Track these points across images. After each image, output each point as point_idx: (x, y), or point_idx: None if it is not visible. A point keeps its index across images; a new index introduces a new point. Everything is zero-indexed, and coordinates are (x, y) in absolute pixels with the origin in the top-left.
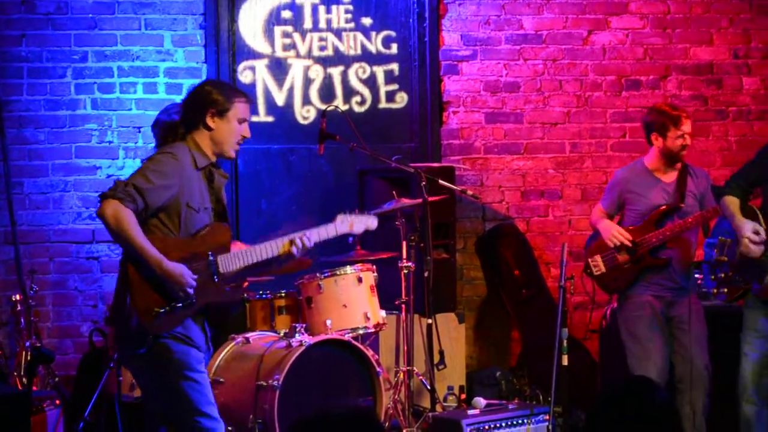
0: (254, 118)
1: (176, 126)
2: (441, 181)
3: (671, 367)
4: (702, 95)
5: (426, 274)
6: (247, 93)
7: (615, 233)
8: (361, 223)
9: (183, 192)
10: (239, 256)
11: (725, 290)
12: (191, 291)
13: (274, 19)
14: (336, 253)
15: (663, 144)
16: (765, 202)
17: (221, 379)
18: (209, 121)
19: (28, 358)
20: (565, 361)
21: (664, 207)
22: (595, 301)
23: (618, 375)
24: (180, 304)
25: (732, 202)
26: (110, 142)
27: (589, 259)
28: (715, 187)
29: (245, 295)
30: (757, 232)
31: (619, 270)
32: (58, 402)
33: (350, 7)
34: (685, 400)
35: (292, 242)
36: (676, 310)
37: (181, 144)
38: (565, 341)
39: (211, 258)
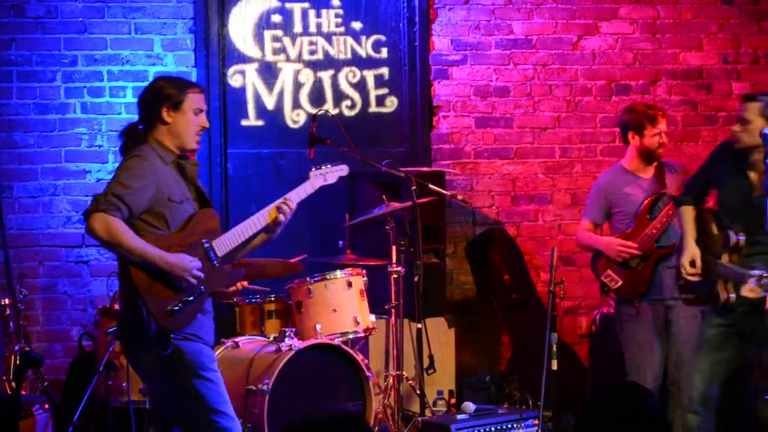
0: (244, 122)
1: (134, 127)
2: (431, 186)
3: (664, 370)
4: (692, 100)
5: (416, 279)
6: (199, 84)
7: (620, 248)
8: (334, 173)
9: (161, 189)
10: (232, 235)
11: (689, 296)
12: (201, 274)
13: (264, 23)
14: (326, 257)
15: (640, 142)
16: (719, 205)
17: None
18: (165, 116)
19: (17, 362)
20: (554, 365)
21: (649, 198)
22: (585, 306)
23: (608, 379)
24: (191, 297)
25: (685, 215)
26: (100, 146)
27: (602, 278)
28: (673, 196)
29: (241, 285)
30: (693, 264)
31: (634, 274)
32: (47, 406)
33: (340, 12)
34: (677, 404)
35: (278, 208)
36: (675, 314)
37: (143, 145)
38: (554, 346)
39: (206, 244)
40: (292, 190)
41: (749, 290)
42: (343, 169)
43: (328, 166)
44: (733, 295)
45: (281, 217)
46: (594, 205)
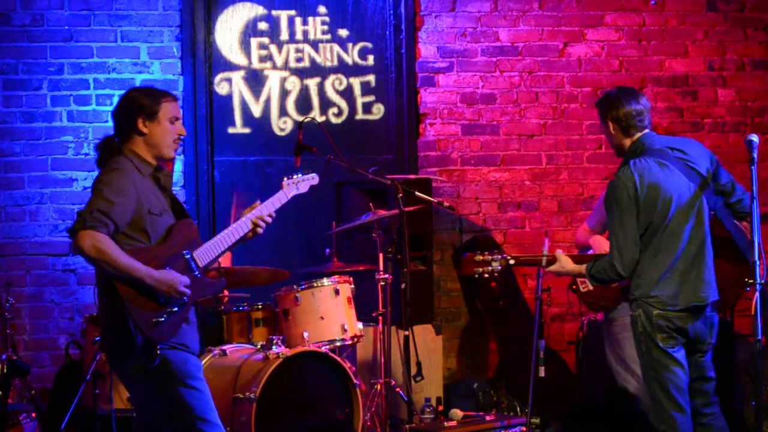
0: (231, 130)
1: (110, 139)
2: (418, 193)
3: None
4: (677, 107)
5: (403, 286)
6: (171, 93)
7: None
8: (306, 182)
9: (141, 201)
10: (212, 245)
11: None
12: (188, 291)
13: (250, 30)
14: (313, 265)
15: None
16: None
17: None
18: (141, 127)
19: (4, 370)
20: (542, 372)
21: None
22: (572, 313)
23: (595, 386)
24: (176, 308)
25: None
26: (86, 154)
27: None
28: None
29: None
30: None
31: (608, 289)
32: (34, 415)
33: (327, 19)
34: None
35: (256, 225)
36: None
37: (120, 157)
38: (542, 353)
39: (187, 255)
40: (267, 200)
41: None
42: (314, 178)
43: (299, 175)
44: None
45: (259, 231)
46: (595, 215)
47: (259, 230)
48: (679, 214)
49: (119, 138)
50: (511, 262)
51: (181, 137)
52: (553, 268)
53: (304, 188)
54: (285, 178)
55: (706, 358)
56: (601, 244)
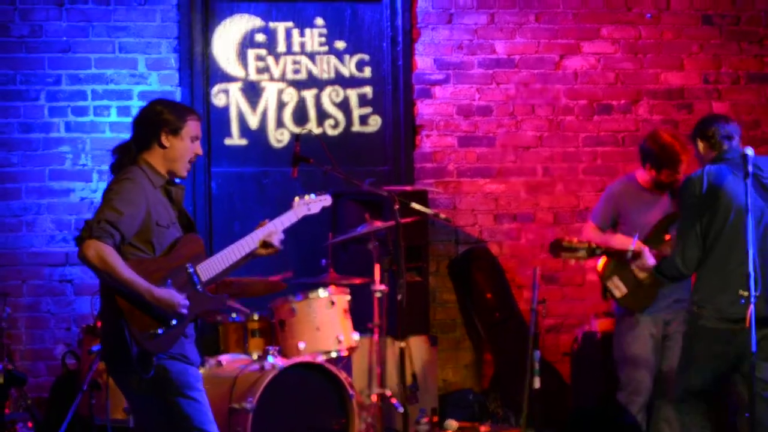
0: (228, 141)
1: (128, 145)
2: (414, 205)
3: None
4: (673, 120)
5: (399, 297)
6: (196, 111)
7: (636, 248)
8: (318, 202)
9: (151, 213)
10: (216, 261)
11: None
12: (186, 312)
13: (247, 42)
14: (309, 276)
15: (655, 175)
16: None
17: None
18: (164, 140)
19: (1, 380)
20: (536, 383)
21: (667, 216)
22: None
23: (590, 397)
24: (175, 321)
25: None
26: (84, 165)
27: (608, 283)
28: None
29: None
30: None
31: (642, 287)
32: (30, 425)
33: (324, 31)
34: (662, 416)
35: (265, 242)
36: (672, 328)
37: (133, 167)
38: (536, 364)
39: (191, 269)
40: (275, 219)
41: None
42: (326, 199)
43: (312, 196)
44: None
45: (274, 248)
46: (603, 210)
47: (274, 248)
48: (741, 224)
49: (136, 146)
50: (598, 251)
51: (197, 156)
52: (638, 262)
53: (315, 209)
54: (297, 198)
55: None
56: (624, 243)
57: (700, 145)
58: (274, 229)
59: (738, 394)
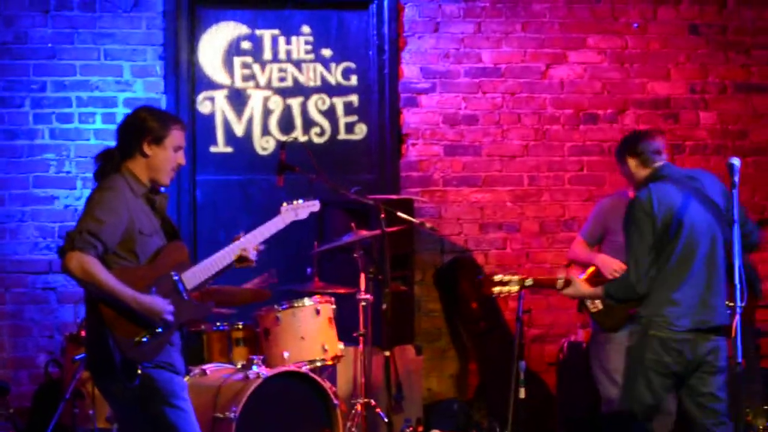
0: (213, 149)
1: (112, 152)
2: (400, 214)
3: None
4: (659, 129)
5: (384, 306)
6: (182, 120)
7: (617, 267)
8: (306, 208)
9: (133, 221)
10: (201, 268)
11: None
12: (172, 318)
13: (233, 50)
14: (294, 285)
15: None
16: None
17: None
18: (146, 149)
19: None
20: (522, 393)
21: None
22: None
23: (575, 407)
24: (160, 329)
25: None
26: (68, 172)
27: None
28: None
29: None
30: None
31: (616, 307)
32: None
33: (310, 39)
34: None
35: (240, 257)
36: None
37: (115, 176)
38: (522, 374)
39: (175, 277)
40: (263, 225)
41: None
42: (314, 205)
43: (300, 201)
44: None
45: (250, 260)
46: (592, 225)
47: (249, 262)
48: (693, 239)
49: (120, 153)
50: (528, 283)
51: (180, 166)
52: (568, 291)
53: (303, 214)
54: (285, 203)
55: (715, 378)
56: (606, 264)
57: (631, 162)
58: (248, 245)
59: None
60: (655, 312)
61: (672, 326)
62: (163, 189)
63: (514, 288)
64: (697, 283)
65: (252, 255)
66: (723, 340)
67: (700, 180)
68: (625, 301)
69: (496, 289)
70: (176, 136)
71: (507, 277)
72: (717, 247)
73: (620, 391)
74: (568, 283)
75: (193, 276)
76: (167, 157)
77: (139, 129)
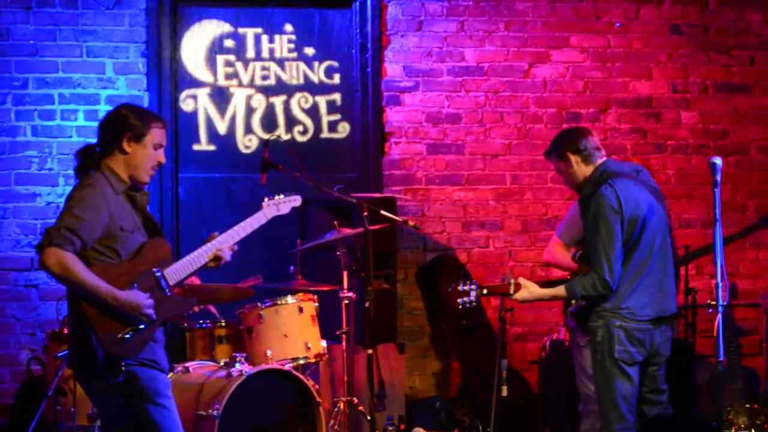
0: (196, 147)
1: (92, 149)
2: (383, 212)
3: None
4: (641, 129)
5: (367, 305)
6: (163, 118)
7: None
8: (287, 203)
9: (114, 218)
10: (183, 264)
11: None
12: (152, 312)
13: (216, 47)
14: (277, 283)
15: None
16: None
17: None
18: (125, 146)
19: None
20: (504, 391)
21: None
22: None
23: (557, 406)
24: (143, 326)
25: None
26: (50, 169)
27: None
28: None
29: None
30: None
31: None
32: None
33: (293, 37)
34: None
35: (216, 256)
36: None
37: (96, 173)
38: (504, 372)
39: (158, 273)
40: (244, 221)
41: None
42: (296, 200)
43: (282, 196)
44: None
45: (223, 262)
46: (570, 226)
47: (223, 262)
48: (650, 230)
49: (101, 150)
50: (484, 291)
51: (160, 164)
52: (519, 295)
53: (285, 210)
54: (266, 198)
55: (660, 371)
56: (566, 262)
57: (573, 158)
58: (223, 245)
59: (704, 405)
60: (619, 304)
61: (636, 316)
62: (149, 184)
63: (473, 296)
64: (656, 272)
65: (227, 255)
66: (670, 330)
67: (642, 172)
68: (593, 299)
69: (459, 300)
70: (156, 134)
71: (466, 287)
72: (667, 236)
73: (597, 392)
74: (518, 287)
75: (176, 272)
76: (147, 154)
77: (120, 126)
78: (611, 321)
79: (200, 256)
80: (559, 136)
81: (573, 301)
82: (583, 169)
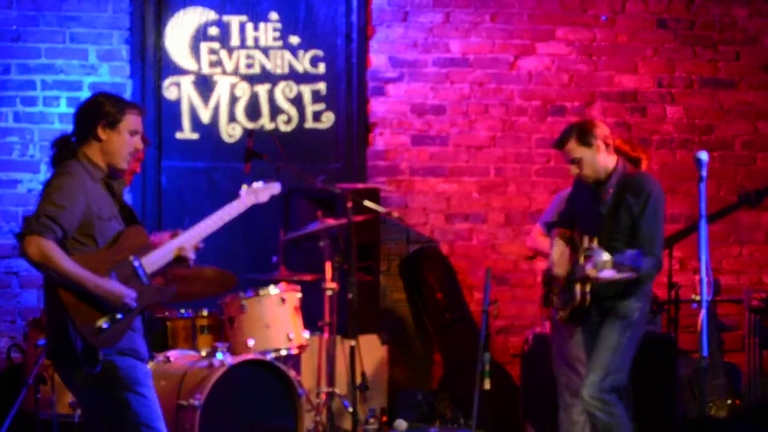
0: (179, 135)
1: (68, 138)
2: (366, 203)
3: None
4: (626, 123)
5: (349, 296)
6: (139, 105)
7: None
8: (266, 191)
9: (91, 206)
10: (161, 253)
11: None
12: (134, 303)
13: (201, 35)
14: (260, 273)
15: None
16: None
17: None
18: (100, 133)
19: None
20: (487, 384)
21: None
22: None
23: (539, 399)
24: (121, 315)
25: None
26: (32, 155)
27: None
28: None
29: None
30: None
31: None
32: None
33: (278, 26)
34: (578, 410)
35: (179, 257)
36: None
37: (72, 161)
38: (487, 365)
39: (135, 262)
40: (221, 210)
41: (588, 271)
42: (275, 188)
43: (260, 183)
44: (587, 292)
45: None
46: (553, 215)
47: (188, 259)
48: None
49: (77, 139)
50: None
51: (137, 150)
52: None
53: (263, 197)
54: (245, 186)
55: None
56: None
57: (602, 145)
58: (185, 243)
59: (685, 399)
60: (650, 289)
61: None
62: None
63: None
64: None
65: (191, 254)
66: None
67: None
68: (642, 279)
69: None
70: (132, 121)
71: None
72: None
73: (615, 363)
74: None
75: (154, 260)
76: (123, 141)
77: (94, 113)
78: (647, 305)
79: (165, 255)
80: (580, 124)
81: (560, 312)
82: (606, 158)
